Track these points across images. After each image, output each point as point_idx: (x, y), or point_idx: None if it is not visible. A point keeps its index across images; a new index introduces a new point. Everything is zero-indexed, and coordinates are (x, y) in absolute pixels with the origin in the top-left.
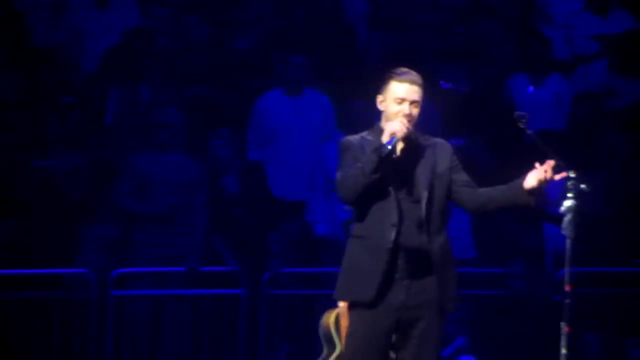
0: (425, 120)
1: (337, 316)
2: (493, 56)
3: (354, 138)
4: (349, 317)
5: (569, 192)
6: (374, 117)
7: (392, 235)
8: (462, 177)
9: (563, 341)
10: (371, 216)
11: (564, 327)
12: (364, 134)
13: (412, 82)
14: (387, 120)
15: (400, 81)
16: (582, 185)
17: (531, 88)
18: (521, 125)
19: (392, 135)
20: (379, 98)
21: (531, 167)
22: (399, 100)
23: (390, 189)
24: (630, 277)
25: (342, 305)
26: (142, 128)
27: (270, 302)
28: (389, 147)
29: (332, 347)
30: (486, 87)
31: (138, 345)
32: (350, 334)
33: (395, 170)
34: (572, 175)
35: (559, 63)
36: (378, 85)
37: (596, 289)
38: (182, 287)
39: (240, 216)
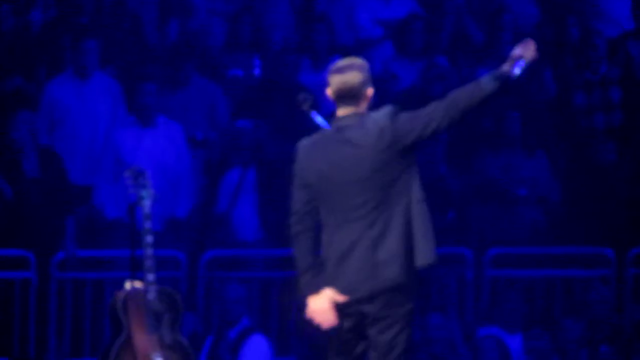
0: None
1: (126, 299)
2: (278, 41)
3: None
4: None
5: None
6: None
7: None
8: None
9: None
10: None
11: None
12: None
13: None
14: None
15: None
16: None
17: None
18: (305, 107)
19: (521, 59)
20: (369, 90)
21: None
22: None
23: None
24: None
25: (128, 286)
26: None
27: (60, 286)
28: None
29: (119, 329)
30: (273, 72)
31: None
32: None
33: None
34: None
35: (342, 47)
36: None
37: None
38: None
39: (33, 199)
